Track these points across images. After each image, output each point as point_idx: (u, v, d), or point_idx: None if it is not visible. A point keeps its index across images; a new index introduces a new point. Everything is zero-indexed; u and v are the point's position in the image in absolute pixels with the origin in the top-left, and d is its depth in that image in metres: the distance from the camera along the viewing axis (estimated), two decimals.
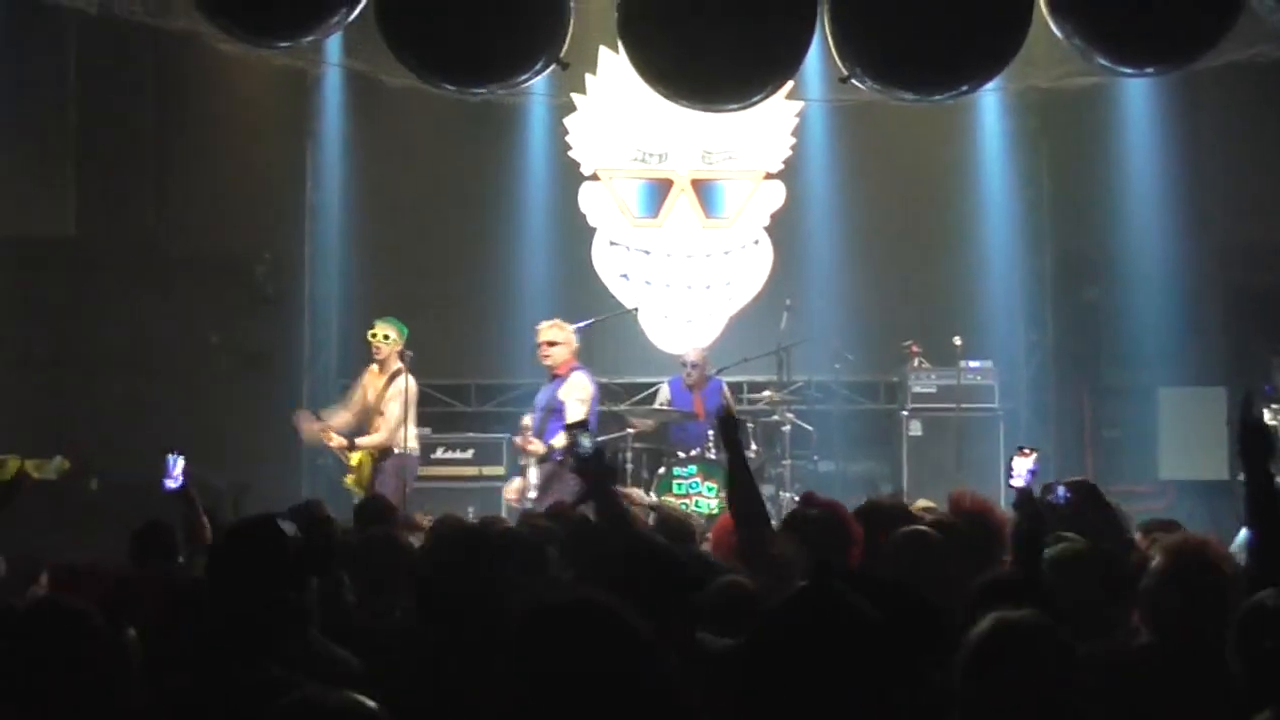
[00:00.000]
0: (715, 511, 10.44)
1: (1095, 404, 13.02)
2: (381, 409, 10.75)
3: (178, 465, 6.54)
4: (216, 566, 3.80)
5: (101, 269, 12.14)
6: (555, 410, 10.56)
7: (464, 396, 13.28)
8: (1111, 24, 8.60)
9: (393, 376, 10.77)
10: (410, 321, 10.99)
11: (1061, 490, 6.15)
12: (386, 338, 10.81)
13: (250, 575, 3.56)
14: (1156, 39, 8.67)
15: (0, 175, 12.02)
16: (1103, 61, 9.23)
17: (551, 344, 10.73)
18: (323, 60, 12.39)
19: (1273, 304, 12.51)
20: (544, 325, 10.90)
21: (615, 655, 2.31)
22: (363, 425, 10.84)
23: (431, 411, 12.07)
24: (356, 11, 8.82)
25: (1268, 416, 10.15)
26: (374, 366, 10.92)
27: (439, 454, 12.18)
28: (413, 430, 10.76)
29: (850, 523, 5.04)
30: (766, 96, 9.57)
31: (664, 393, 12.10)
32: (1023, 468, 6.73)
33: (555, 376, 10.76)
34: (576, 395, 10.59)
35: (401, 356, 10.79)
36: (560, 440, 10.18)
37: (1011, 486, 6.71)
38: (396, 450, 10.69)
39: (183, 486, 6.53)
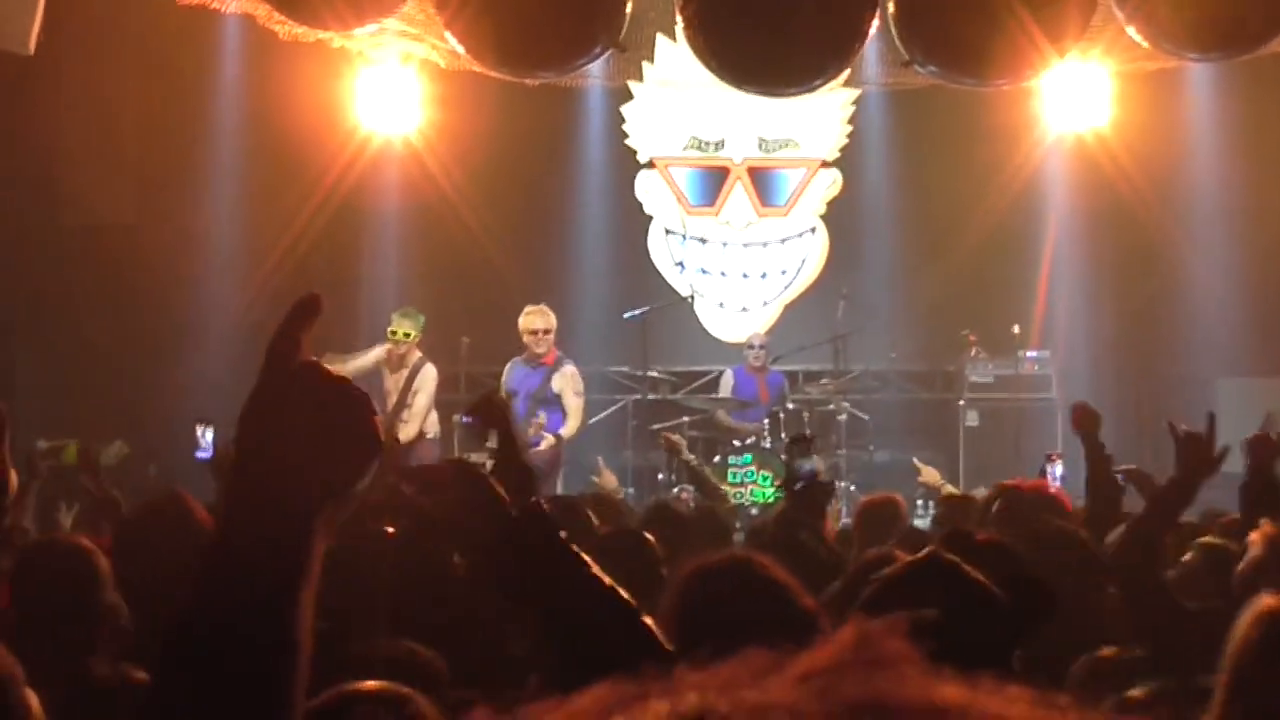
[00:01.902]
0: (770, 500, 10.39)
1: (1154, 394, 12.87)
2: (409, 401, 10.74)
3: (206, 435, 6.66)
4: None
5: (161, 256, 12.18)
6: (546, 400, 10.56)
7: None
8: (1172, 11, 8.51)
9: (414, 370, 10.74)
10: (464, 308, 10.97)
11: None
12: (408, 335, 10.73)
13: None
14: (1218, 26, 8.57)
15: (64, 164, 12.08)
16: (1166, 46, 9.14)
17: (546, 331, 10.64)
18: (376, 45, 12.34)
19: None
20: (533, 310, 10.78)
21: (771, 602, 2.67)
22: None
23: None
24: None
25: None
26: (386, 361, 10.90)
27: (491, 441, 12.16)
28: (433, 416, 10.81)
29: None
30: (827, 81, 9.52)
31: (727, 380, 12.00)
32: (1057, 472, 6.85)
33: (541, 364, 10.73)
34: (574, 388, 10.65)
35: (421, 347, 10.80)
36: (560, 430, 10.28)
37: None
38: (427, 435, 10.74)
39: (213, 455, 6.62)
